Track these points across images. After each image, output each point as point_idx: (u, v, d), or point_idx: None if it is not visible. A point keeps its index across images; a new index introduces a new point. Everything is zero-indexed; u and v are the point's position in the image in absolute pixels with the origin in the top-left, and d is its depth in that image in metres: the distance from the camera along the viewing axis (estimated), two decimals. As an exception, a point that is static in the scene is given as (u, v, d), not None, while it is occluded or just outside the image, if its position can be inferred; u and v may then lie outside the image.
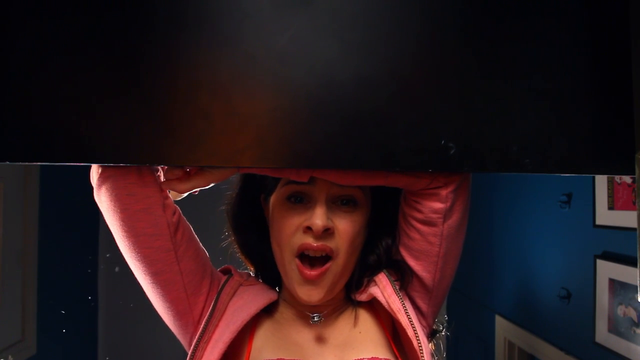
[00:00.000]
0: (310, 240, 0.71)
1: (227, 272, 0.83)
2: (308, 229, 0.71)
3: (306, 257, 0.73)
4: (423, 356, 0.70)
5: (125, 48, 0.64)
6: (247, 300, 0.76)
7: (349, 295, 0.82)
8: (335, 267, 0.73)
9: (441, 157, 0.65)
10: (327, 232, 0.72)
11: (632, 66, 0.66)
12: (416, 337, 0.71)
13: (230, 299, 0.76)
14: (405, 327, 0.72)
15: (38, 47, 0.63)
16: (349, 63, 0.65)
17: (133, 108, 0.63)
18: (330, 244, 0.72)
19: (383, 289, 0.76)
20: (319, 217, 0.71)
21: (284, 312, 0.81)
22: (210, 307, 0.74)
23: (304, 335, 0.77)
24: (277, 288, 0.84)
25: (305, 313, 0.79)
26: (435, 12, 0.66)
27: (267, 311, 0.79)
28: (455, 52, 0.66)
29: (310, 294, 0.72)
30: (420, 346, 0.70)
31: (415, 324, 0.72)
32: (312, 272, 0.72)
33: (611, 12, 0.67)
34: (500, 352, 1.99)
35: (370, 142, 0.65)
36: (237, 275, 0.81)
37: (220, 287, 0.77)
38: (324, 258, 0.73)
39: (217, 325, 0.73)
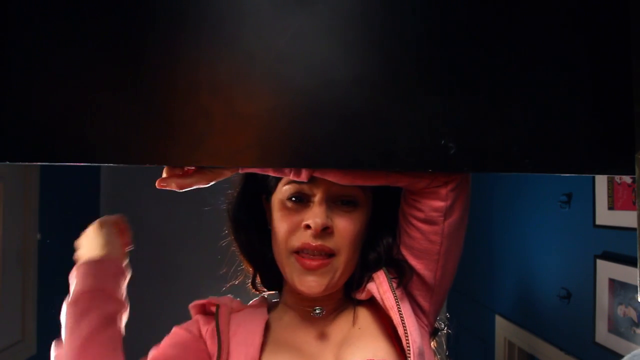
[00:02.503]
0: (309, 240, 0.71)
1: (203, 310, 0.81)
2: (307, 228, 0.71)
3: (306, 253, 0.73)
4: (410, 357, 0.69)
5: (125, 48, 0.64)
6: (246, 333, 0.75)
7: (349, 295, 0.82)
8: (336, 263, 0.73)
9: (441, 157, 0.65)
10: (326, 232, 0.72)
11: (632, 66, 0.66)
12: (405, 336, 0.70)
13: (229, 331, 0.76)
14: (396, 325, 0.71)
15: (38, 47, 0.63)
16: (349, 63, 0.65)
17: (133, 108, 0.63)
18: (329, 243, 0.72)
19: (379, 285, 0.75)
20: (318, 216, 0.71)
21: (284, 315, 0.81)
22: (216, 350, 0.73)
23: (303, 336, 0.77)
24: (278, 291, 0.84)
25: (306, 311, 0.78)
26: (435, 12, 0.66)
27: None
28: (455, 52, 0.66)
29: (311, 285, 0.72)
30: (408, 346, 0.69)
31: (407, 323, 0.71)
32: (313, 262, 0.72)
33: (611, 12, 0.67)
34: (500, 352, 1.99)
35: (370, 142, 0.65)
36: (223, 307, 0.79)
37: (216, 327, 0.76)
38: (325, 255, 0.73)
39: None
